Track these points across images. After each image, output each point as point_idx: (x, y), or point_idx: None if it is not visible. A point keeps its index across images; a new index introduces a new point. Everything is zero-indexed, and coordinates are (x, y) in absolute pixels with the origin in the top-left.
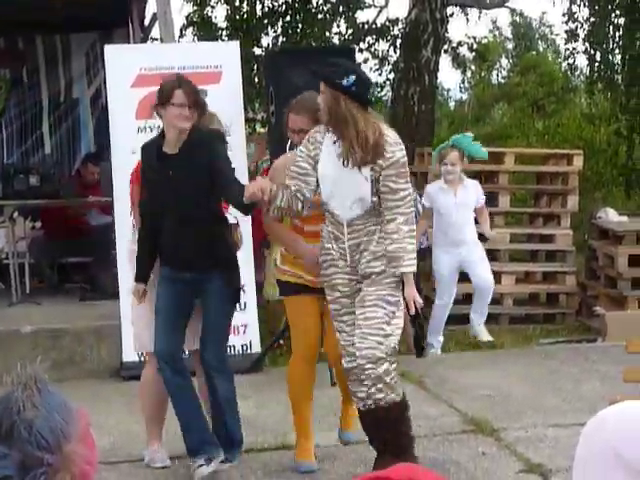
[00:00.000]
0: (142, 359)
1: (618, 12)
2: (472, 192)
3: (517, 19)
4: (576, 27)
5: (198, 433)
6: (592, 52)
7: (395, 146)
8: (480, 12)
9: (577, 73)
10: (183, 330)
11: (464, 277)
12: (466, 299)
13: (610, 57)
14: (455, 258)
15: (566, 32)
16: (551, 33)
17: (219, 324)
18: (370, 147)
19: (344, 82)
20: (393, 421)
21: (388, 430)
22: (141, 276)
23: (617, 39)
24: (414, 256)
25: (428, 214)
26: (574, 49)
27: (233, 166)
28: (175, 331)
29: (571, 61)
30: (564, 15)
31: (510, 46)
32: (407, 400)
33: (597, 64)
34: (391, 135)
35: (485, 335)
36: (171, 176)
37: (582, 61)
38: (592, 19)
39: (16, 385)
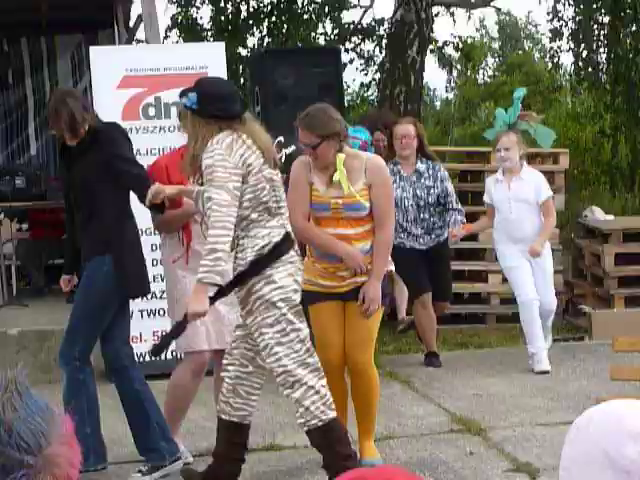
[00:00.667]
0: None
1: (603, 11)
2: (529, 184)
3: (503, 18)
4: (560, 26)
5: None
6: (577, 50)
7: (207, 152)
8: (466, 12)
9: (562, 72)
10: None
11: (457, 275)
12: (457, 299)
13: (595, 56)
14: (522, 249)
15: (550, 31)
16: (537, 32)
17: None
18: (194, 159)
19: (186, 102)
20: (317, 445)
21: (322, 450)
22: (66, 268)
23: (602, 38)
24: (213, 265)
25: (490, 211)
26: (559, 47)
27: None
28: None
29: (555, 60)
30: (549, 14)
31: (496, 45)
32: (336, 422)
33: (581, 63)
34: (213, 143)
35: (542, 365)
36: (70, 170)
37: (567, 60)
38: (577, 18)
39: None
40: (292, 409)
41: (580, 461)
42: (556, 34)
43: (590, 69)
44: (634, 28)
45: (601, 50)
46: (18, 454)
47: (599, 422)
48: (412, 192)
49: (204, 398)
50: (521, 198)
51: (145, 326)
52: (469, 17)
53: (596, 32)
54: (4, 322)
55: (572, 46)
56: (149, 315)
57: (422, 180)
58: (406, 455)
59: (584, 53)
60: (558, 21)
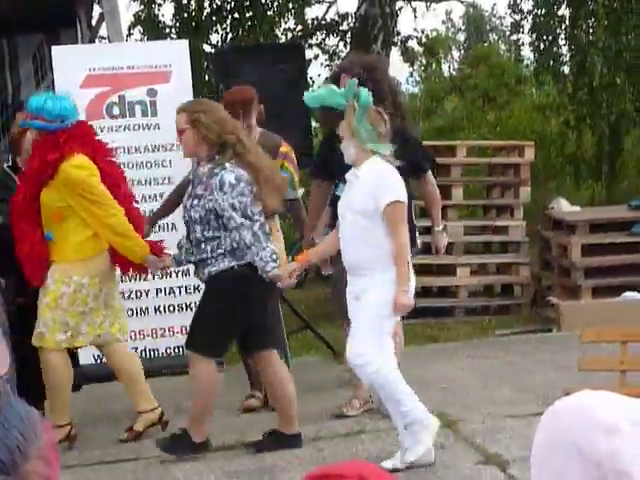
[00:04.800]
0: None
1: (563, 4)
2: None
3: (470, 11)
4: (521, 19)
5: None
6: (537, 44)
7: None
8: (429, 5)
9: (525, 64)
10: None
11: (425, 269)
12: (425, 292)
13: (556, 48)
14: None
15: (511, 24)
16: (502, 24)
17: None
18: None
19: None
20: None
21: None
22: None
23: (563, 30)
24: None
25: None
26: (519, 40)
27: None
28: None
29: (516, 53)
30: (509, 7)
31: (462, 38)
32: None
33: (542, 56)
34: None
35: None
36: None
37: (529, 53)
38: (535, 10)
39: None
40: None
41: (550, 453)
42: (516, 27)
43: (551, 62)
44: (593, 20)
45: (562, 43)
46: None
47: (569, 414)
48: None
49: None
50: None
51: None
52: (427, 9)
53: (557, 25)
54: None
55: (532, 39)
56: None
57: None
58: (376, 449)
59: (541, 46)
60: (518, 14)
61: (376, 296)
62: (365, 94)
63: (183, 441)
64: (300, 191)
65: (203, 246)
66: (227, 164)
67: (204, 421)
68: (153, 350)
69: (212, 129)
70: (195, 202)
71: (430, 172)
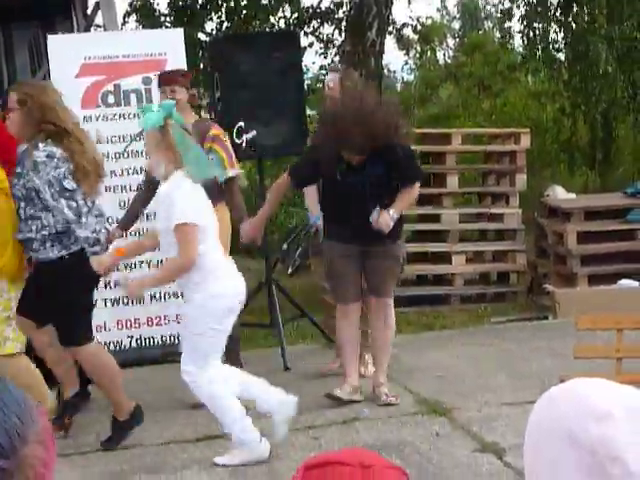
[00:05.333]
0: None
1: None
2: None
3: None
4: (511, 7)
5: None
6: (527, 32)
7: None
8: None
9: (518, 52)
10: None
11: (420, 257)
12: (421, 280)
13: (551, 35)
14: None
15: (501, 12)
16: (496, 12)
17: None
18: None
19: None
20: None
21: None
22: None
23: (557, 16)
24: None
25: None
26: (510, 28)
27: None
28: None
29: (507, 40)
30: None
31: (457, 26)
32: None
33: (534, 43)
34: None
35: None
36: None
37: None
38: None
39: None
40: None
41: (544, 440)
42: (507, 14)
43: (540, 49)
44: (588, 8)
45: (556, 28)
46: None
47: (564, 401)
48: None
49: None
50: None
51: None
52: None
53: (551, 12)
54: None
55: (523, 27)
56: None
57: None
58: (372, 437)
59: (531, 33)
60: (510, 2)
61: (190, 314)
62: (177, 115)
63: (116, 428)
64: (234, 171)
65: (29, 223)
66: (40, 144)
67: (122, 397)
68: (148, 338)
69: (33, 114)
70: (15, 181)
71: (416, 184)
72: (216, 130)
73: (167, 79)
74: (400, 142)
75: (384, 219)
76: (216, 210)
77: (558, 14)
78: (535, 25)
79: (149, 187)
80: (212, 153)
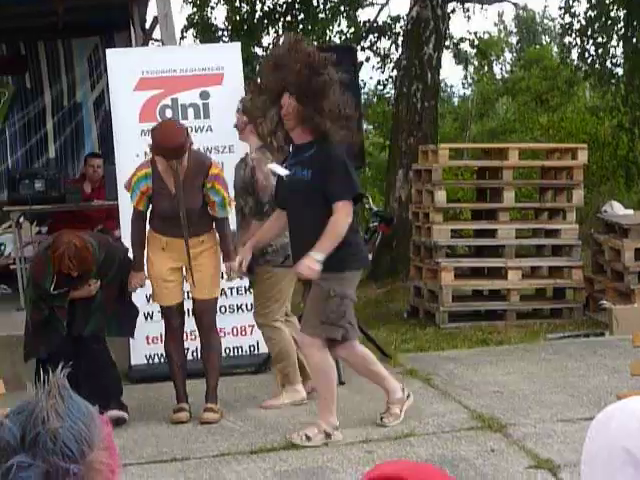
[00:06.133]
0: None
1: (617, 5)
2: None
3: (521, 13)
4: (571, 22)
5: None
6: (587, 46)
7: None
8: (482, 7)
9: (575, 66)
10: None
11: (476, 272)
12: (477, 295)
13: (610, 50)
14: None
15: (562, 26)
16: (554, 27)
17: None
18: None
19: None
20: None
21: None
22: None
23: (618, 31)
24: None
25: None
26: (570, 43)
27: None
28: None
29: (566, 55)
30: (560, 9)
31: (514, 40)
32: None
33: (594, 58)
34: None
35: None
36: None
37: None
38: (588, 13)
39: (39, 393)
40: (313, 408)
41: (601, 458)
42: (567, 30)
43: (598, 64)
44: None
45: (616, 44)
46: (63, 462)
47: (620, 419)
48: None
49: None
50: None
51: None
52: (481, 8)
53: (614, 27)
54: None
55: (582, 41)
56: None
57: None
58: (427, 453)
59: (592, 49)
60: (570, 16)
61: None
62: None
63: None
64: (229, 209)
65: None
66: None
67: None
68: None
69: None
70: None
71: (343, 203)
72: (215, 168)
73: None
74: (337, 138)
75: (312, 266)
76: None
77: (617, 28)
78: (596, 39)
79: None
80: (215, 193)
